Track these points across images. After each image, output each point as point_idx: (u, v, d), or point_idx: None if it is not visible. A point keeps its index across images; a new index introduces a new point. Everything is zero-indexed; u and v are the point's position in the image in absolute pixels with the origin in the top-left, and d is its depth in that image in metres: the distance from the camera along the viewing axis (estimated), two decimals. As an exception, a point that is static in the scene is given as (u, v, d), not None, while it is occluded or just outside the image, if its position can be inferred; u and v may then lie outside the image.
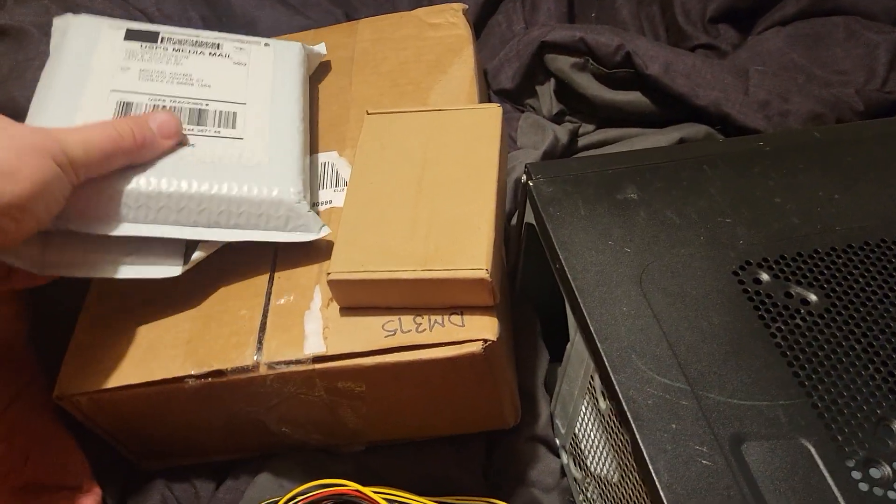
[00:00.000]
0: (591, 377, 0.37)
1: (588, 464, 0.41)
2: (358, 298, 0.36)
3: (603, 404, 0.36)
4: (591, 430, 0.40)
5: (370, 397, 0.38)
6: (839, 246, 0.39)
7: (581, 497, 0.43)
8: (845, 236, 0.39)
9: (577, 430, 0.41)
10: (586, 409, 0.39)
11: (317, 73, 0.52)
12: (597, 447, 0.39)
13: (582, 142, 0.59)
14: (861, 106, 0.57)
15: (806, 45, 0.62)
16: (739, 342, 0.35)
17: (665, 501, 0.30)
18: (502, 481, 0.43)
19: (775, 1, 0.68)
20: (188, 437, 0.43)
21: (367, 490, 0.40)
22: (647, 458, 0.31)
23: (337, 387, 0.38)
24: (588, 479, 0.41)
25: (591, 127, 0.60)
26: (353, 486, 0.40)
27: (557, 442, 0.45)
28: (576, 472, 0.43)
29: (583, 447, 0.41)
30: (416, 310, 0.36)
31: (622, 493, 0.37)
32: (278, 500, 0.39)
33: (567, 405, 0.42)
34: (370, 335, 0.37)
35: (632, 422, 0.32)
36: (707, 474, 0.30)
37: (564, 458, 0.44)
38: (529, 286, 0.49)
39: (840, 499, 0.30)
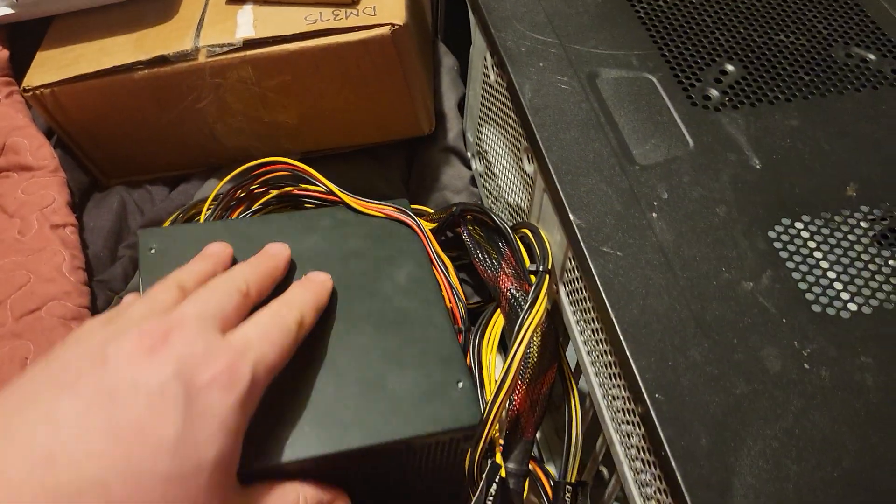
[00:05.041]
0: (485, 58, 0.43)
1: (490, 160, 0.47)
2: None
3: (493, 76, 0.42)
4: (489, 129, 0.46)
5: (297, 90, 0.44)
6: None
7: (485, 192, 0.49)
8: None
9: (479, 131, 0.47)
10: (484, 102, 0.45)
11: None
12: (492, 138, 0.45)
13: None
14: None
15: None
16: (607, 15, 0.41)
17: (527, 109, 0.36)
18: (419, 188, 0.50)
19: None
20: (144, 148, 0.49)
21: (309, 168, 0.44)
22: (516, 86, 0.37)
23: (267, 76, 0.43)
24: (490, 175, 0.47)
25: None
26: (297, 163, 0.43)
27: (468, 153, 0.51)
28: (480, 167, 0.49)
29: (485, 146, 0.47)
30: (335, 4, 0.42)
31: (509, 179, 0.43)
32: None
33: (473, 109, 0.48)
34: (294, 23, 0.42)
35: (507, 63, 0.38)
36: (564, 94, 0.37)
37: (473, 164, 0.50)
38: (450, 33, 0.55)
39: (672, 110, 0.36)
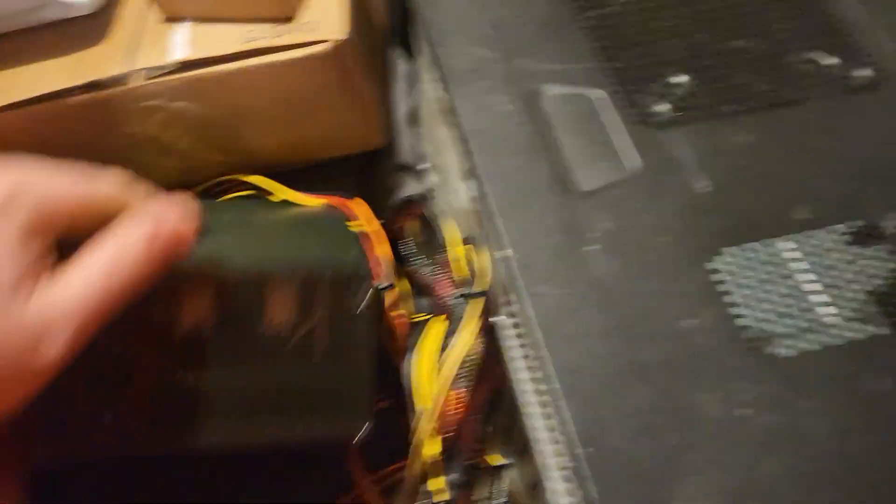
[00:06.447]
0: (431, 71, 0.41)
1: (442, 176, 0.45)
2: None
3: (438, 92, 0.40)
4: (439, 142, 0.44)
5: (239, 110, 0.43)
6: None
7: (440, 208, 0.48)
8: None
9: (430, 145, 0.46)
10: (432, 115, 0.44)
11: None
12: (443, 154, 0.44)
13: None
14: None
15: None
16: (554, 25, 0.39)
17: (466, 133, 0.34)
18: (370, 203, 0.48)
19: None
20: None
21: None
22: (455, 107, 0.35)
23: (207, 98, 0.42)
24: (442, 191, 0.46)
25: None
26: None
27: (420, 166, 0.49)
28: (433, 180, 0.47)
29: (436, 161, 0.45)
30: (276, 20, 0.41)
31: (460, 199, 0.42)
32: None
33: (424, 120, 0.46)
34: (231, 42, 0.41)
35: (448, 81, 0.36)
36: (505, 116, 0.35)
37: (425, 177, 0.48)
38: (405, 38, 0.53)
39: (619, 129, 0.34)
